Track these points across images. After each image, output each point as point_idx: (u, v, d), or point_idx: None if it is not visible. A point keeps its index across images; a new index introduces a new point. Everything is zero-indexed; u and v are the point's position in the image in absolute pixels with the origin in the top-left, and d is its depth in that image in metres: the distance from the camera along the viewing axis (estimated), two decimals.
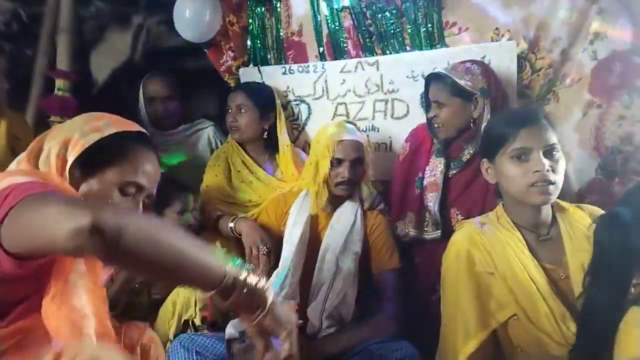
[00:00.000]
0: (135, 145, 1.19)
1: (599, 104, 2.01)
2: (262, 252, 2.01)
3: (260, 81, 2.58)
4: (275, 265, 2.00)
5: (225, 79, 2.70)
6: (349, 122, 2.10)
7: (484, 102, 1.91)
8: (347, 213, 2.00)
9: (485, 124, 1.87)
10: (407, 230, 2.09)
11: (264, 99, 2.40)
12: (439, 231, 2.01)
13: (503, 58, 2.08)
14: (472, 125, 1.96)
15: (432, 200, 2.02)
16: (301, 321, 1.82)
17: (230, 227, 2.13)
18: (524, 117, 1.43)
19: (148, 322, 2.01)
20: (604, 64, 1.99)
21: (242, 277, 0.98)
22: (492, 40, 2.12)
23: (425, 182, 2.07)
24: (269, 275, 1.98)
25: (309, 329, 1.87)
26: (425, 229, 2.06)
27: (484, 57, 2.10)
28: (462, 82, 1.92)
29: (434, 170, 2.05)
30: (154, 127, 2.66)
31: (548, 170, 1.35)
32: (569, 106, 2.06)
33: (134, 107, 2.64)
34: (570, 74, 2.05)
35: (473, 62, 2.01)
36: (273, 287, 1.89)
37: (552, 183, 1.36)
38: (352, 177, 1.96)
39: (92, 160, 1.12)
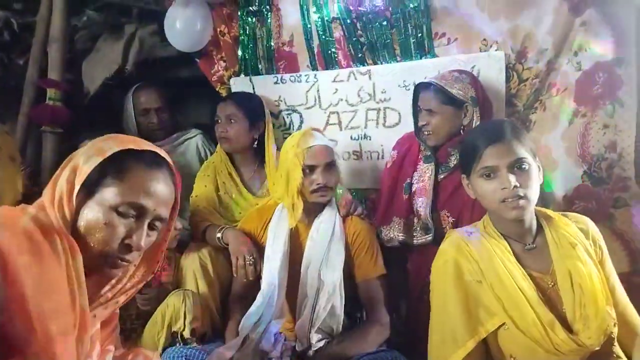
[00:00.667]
0: (139, 163, 1.12)
1: (584, 113, 2.07)
2: (248, 262, 1.99)
3: (252, 91, 2.60)
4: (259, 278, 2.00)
5: (217, 89, 2.72)
6: (314, 129, 2.08)
7: (473, 110, 1.97)
8: (326, 222, 1.98)
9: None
10: (392, 235, 2.12)
11: (254, 109, 2.42)
12: (430, 235, 2.04)
13: (492, 68, 2.14)
14: (461, 132, 2.01)
15: (422, 205, 2.06)
16: (293, 344, 1.84)
17: (218, 237, 2.12)
18: (488, 135, 1.46)
19: (135, 333, 2.04)
20: (588, 74, 2.05)
21: None
22: (480, 51, 2.17)
23: (414, 188, 2.11)
24: (255, 285, 1.99)
25: (298, 346, 1.86)
26: (414, 234, 2.09)
27: (473, 67, 2.16)
28: (453, 91, 1.98)
29: (423, 175, 2.10)
30: (143, 138, 2.64)
31: (516, 186, 1.38)
32: (556, 115, 2.12)
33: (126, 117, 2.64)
34: (556, 84, 2.12)
35: (461, 71, 2.07)
36: (260, 307, 1.92)
37: (522, 197, 1.39)
38: (327, 182, 1.94)
39: (92, 182, 1.07)
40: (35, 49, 2.45)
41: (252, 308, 1.90)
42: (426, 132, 2.07)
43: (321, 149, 1.96)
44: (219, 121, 2.39)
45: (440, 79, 2.03)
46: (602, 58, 2.02)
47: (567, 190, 2.12)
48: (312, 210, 2.01)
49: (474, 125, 1.95)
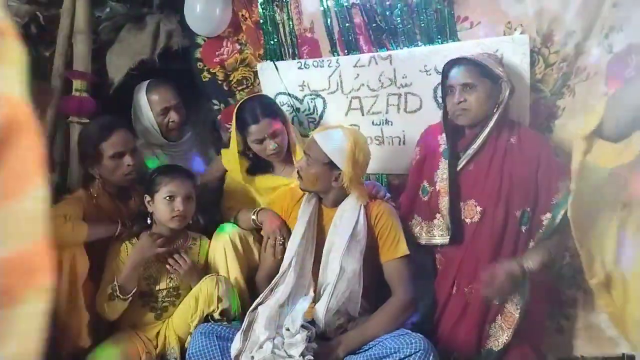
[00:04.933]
0: None
1: None
2: (278, 242, 2.10)
3: (277, 75, 2.60)
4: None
5: (211, 71, 2.73)
6: (340, 126, 2.06)
7: (505, 88, 1.94)
8: (350, 210, 2.02)
9: (503, 110, 1.95)
10: (415, 232, 2.15)
11: (282, 113, 2.41)
12: (448, 237, 2.04)
13: (516, 52, 2.05)
14: (495, 110, 1.97)
15: (445, 206, 2.04)
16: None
17: (253, 219, 2.22)
18: None
19: (167, 312, 2.14)
20: (620, 57, 1.94)
21: None
22: (504, 34, 2.09)
23: (437, 187, 2.09)
24: (278, 266, 2.06)
25: (317, 326, 1.91)
26: (435, 232, 2.09)
27: (496, 51, 2.08)
28: (487, 63, 1.94)
29: (444, 172, 2.07)
30: (165, 138, 2.60)
31: None
32: (586, 100, 2.03)
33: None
34: (585, 68, 2.02)
35: (489, 54, 2.03)
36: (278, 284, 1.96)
37: None
38: (299, 169, 2.03)
39: None
40: (60, 41, 2.48)
41: (270, 286, 1.99)
42: (461, 109, 1.98)
43: (312, 141, 2.03)
44: (261, 143, 2.30)
45: (476, 57, 1.99)
46: (635, 39, 1.91)
47: None
48: (339, 197, 2.06)
49: (504, 105, 1.95)
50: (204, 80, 2.76)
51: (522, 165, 1.97)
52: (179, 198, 2.08)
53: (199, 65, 2.75)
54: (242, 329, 1.84)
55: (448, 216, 2.02)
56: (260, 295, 1.95)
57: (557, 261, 2.01)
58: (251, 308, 1.92)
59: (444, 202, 2.04)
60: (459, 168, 2.06)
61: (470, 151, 2.03)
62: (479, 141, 2.00)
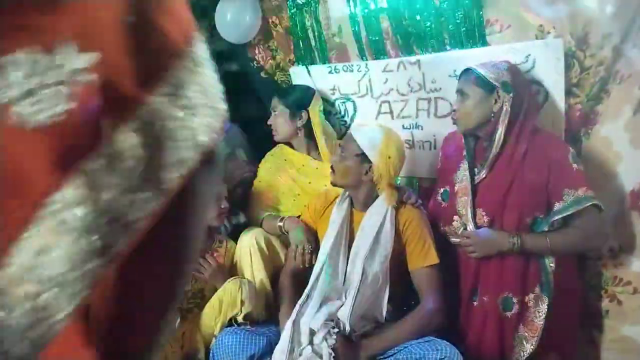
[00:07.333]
0: None
1: None
2: (306, 251, 2.13)
3: (309, 79, 2.64)
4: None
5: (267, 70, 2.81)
6: (379, 125, 2.19)
7: (505, 97, 1.89)
8: (377, 214, 2.03)
9: (506, 119, 1.89)
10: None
11: (293, 99, 2.46)
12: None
13: (549, 56, 1.97)
14: (491, 119, 1.93)
15: (463, 206, 2.01)
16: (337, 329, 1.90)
17: (279, 226, 2.24)
18: None
19: (191, 314, 2.17)
20: None
21: None
22: (536, 38, 2.01)
23: (456, 189, 2.06)
24: (309, 273, 2.08)
25: (342, 330, 1.92)
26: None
27: (528, 56, 2.01)
28: (482, 71, 1.91)
29: (465, 173, 2.05)
30: None
31: None
32: (619, 104, 1.93)
33: None
34: (619, 71, 1.92)
35: (504, 61, 1.99)
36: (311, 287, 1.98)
37: None
38: (332, 162, 2.10)
39: None
40: None
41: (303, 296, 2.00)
42: (455, 117, 2.04)
43: (349, 137, 2.19)
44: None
45: (479, 65, 1.97)
46: None
47: (634, 184, 1.96)
48: (369, 197, 2.08)
49: (504, 113, 1.89)
50: (263, 78, 2.86)
51: (534, 171, 1.91)
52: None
53: (253, 64, 2.84)
54: (287, 342, 1.84)
55: (470, 218, 1.98)
56: (296, 307, 1.95)
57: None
58: (292, 319, 1.91)
59: (462, 202, 2.01)
60: (476, 177, 2.02)
61: (487, 162, 1.99)
62: (493, 150, 1.95)
